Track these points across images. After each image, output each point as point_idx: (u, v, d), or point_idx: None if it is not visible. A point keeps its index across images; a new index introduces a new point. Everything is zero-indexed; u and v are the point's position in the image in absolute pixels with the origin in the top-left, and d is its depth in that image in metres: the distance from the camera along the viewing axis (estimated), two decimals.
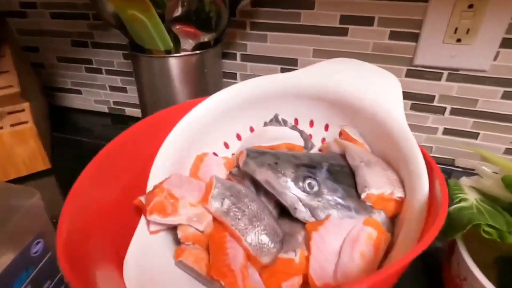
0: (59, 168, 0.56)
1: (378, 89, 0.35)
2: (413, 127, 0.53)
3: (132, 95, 0.70)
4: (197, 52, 0.47)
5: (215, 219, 0.31)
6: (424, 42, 0.47)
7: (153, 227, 0.31)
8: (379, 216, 0.30)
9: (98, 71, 0.70)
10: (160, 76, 0.48)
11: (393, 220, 0.31)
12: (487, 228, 0.29)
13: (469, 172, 0.54)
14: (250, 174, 0.32)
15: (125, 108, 0.73)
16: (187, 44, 0.45)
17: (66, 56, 0.70)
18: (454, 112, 0.52)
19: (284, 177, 0.31)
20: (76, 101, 0.76)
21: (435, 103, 0.52)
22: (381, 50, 0.50)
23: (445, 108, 0.52)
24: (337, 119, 0.39)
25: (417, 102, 0.53)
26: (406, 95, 0.53)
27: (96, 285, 0.24)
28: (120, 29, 0.47)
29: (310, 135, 0.42)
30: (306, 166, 0.32)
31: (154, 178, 0.35)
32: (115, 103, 0.73)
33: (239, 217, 0.30)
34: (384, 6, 0.47)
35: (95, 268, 0.26)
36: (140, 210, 0.32)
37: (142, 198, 0.32)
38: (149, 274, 0.28)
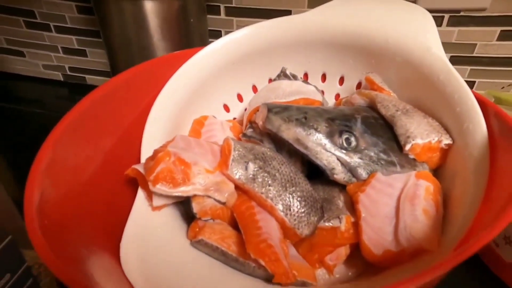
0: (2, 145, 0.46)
1: (410, 27, 0.30)
2: None
3: (94, 59, 0.59)
4: None
5: (238, 187, 0.25)
6: None
7: (158, 201, 0.25)
8: (424, 169, 0.27)
9: (45, 27, 0.57)
10: (134, 26, 0.39)
11: (437, 172, 0.28)
12: None
13: None
14: (274, 132, 0.27)
15: (86, 76, 0.62)
16: None
17: None
18: (453, 61, 0.48)
19: (317, 133, 0.26)
20: (18, 65, 0.63)
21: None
22: None
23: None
24: (356, 68, 0.34)
25: None
26: None
27: (85, 275, 0.18)
28: None
29: (322, 91, 0.37)
30: (339, 119, 0.27)
31: (148, 144, 0.28)
32: (71, 69, 0.62)
33: (269, 182, 0.24)
34: None
35: (82, 255, 0.20)
36: (132, 182, 0.26)
37: (139, 167, 0.25)
38: (153, 259, 0.23)
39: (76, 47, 0.58)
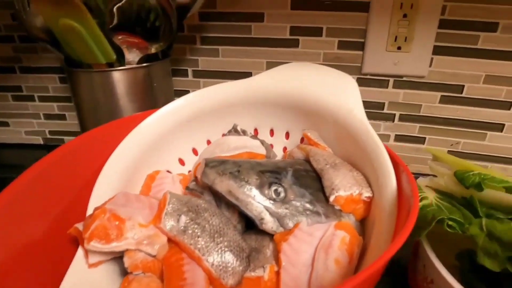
0: None
1: (336, 91, 0.34)
2: None
3: (73, 122, 0.64)
4: (144, 65, 0.43)
5: (170, 240, 0.26)
6: (369, 51, 0.49)
7: (93, 258, 0.26)
8: (349, 220, 0.28)
9: (30, 98, 0.62)
10: (102, 93, 0.44)
11: (363, 224, 0.29)
12: (450, 222, 0.29)
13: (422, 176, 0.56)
14: (209, 185, 0.29)
15: (65, 138, 0.66)
16: (132, 56, 0.42)
17: None
18: (402, 118, 0.54)
19: (248, 185, 0.28)
20: (3, 135, 0.67)
21: (385, 110, 0.54)
22: (331, 60, 0.51)
23: (394, 114, 0.54)
24: (298, 125, 0.37)
25: (369, 110, 0.54)
26: None
27: None
28: (53, 45, 0.42)
29: (271, 145, 0.40)
30: (270, 172, 0.30)
31: (95, 200, 0.30)
32: (51, 132, 0.66)
33: (198, 234, 0.26)
34: (329, 16, 0.49)
35: None
36: (77, 241, 0.27)
37: (79, 225, 0.27)
38: None
39: (57, 112, 0.63)
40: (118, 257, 0.27)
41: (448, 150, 0.54)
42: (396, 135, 0.55)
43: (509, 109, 0.50)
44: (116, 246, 0.25)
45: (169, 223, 0.26)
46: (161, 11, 0.39)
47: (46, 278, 0.25)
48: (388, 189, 0.26)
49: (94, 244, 0.24)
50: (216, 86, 0.38)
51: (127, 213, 0.26)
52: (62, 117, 0.63)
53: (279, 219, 0.27)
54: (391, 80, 0.51)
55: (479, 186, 0.31)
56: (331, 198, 0.28)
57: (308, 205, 0.28)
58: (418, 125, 0.54)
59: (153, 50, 0.42)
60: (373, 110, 0.54)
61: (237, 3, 0.50)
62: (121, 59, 0.42)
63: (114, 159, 0.33)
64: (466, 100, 0.51)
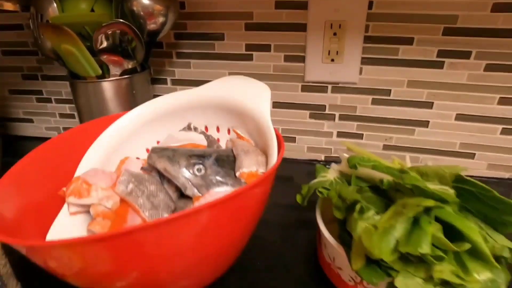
0: None
1: (255, 97, 0.45)
2: (314, 133, 0.65)
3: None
4: (125, 76, 0.56)
5: (121, 199, 0.39)
6: (309, 63, 0.60)
7: (71, 209, 0.38)
8: None
9: (48, 100, 0.78)
10: (94, 98, 0.57)
11: None
12: (320, 189, 0.40)
13: None
14: (153, 165, 0.41)
15: None
16: (115, 70, 0.55)
17: (18, 89, 0.78)
18: (342, 118, 0.64)
19: (178, 165, 0.40)
20: (29, 130, 0.83)
21: (327, 111, 0.64)
22: (280, 70, 0.63)
23: (334, 115, 0.64)
24: (234, 123, 0.49)
25: (314, 111, 0.65)
26: (305, 107, 0.64)
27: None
28: (59, 61, 0.56)
29: (218, 139, 0.52)
30: (197, 156, 0.42)
31: (78, 173, 0.43)
32: (64, 129, 0.81)
33: (139, 195, 0.38)
34: (276, 35, 0.60)
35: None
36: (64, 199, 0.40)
37: (65, 188, 0.40)
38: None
39: (68, 112, 0.78)
40: (88, 211, 0.40)
41: (384, 145, 0.64)
42: (338, 132, 0.65)
43: (431, 108, 0.59)
44: (85, 201, 0.38)
45: (120, 188, 0.38)
46: (135, 37, 0.52)
47: (47, 226, 0.38)
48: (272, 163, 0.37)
49: (71, 199, 0.37)
50: (174, 93, 0.50)
51: (94, 181, 0.39)
52: (72, 116, 0.78)
53: (198, 188, 0.39)
54: (329, 86, 0.62)
55: (354, 166, 0.41)
56: (237, 173, 0.40)
57: (220, 179, 0.40)
58: (355, 123, 0.64)
59: (130, 66, 0.55)
60: (317, 111, 0.64)
61: (203, 26, 0.62)
62: (107, 72, 0.55)
63: (95, 147, 0.46)
64: (394, 101, 0.60)
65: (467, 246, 0.29)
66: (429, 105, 0.59)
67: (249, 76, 0.63)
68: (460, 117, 0.59)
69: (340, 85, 0.61)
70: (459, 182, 0.34)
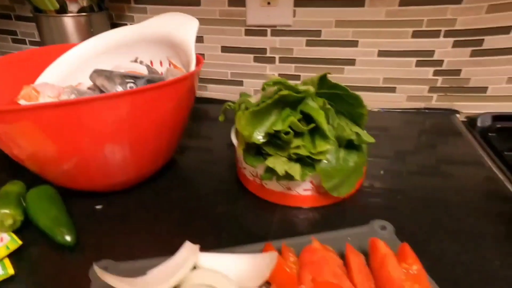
0: None
1: (184, 29, 0.53)
2: (259, 76, 0.73)
3: None
4: (82, 14, 0.64)
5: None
6: (249, 7, 0.66)
7: None
8: None
9: (23, 42, 0.85)
10: (56, 33, 0.65)
11: None
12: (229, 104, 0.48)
13: None
14: (93, 82, 0.50)
15: None
16: (72, 7, 0.63)
17: None
18: (281, 60, 0.71)
19: (113, 82, 0.49)
20: None
21: (268, 55, 0.71)
22: (225, 15, 0.69)
23: (275, 58, 0.71)
24: (171, 54, 0.57)
25: (257, 55, 0.72)
26: (249, 50, 0.72)
27: None
28: None
29: (162, 73, 0.59)
30: (131, 77, 0.50)
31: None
32: None
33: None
34: None
35: None
36: None
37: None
38: None
39: None
40: None
41: None
42: (279, 74, 0.73)
43: (356, 46, 0.66)
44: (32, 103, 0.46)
45: (64, 97, 0.47)
46: None
47: None
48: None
49: (22, 102, 0.46)
50: (118, 28, 0.58)
51: (43, 90, 0.48)
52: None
53: None
54: (269, 30, 0.68)
55: (263, 89, 0.49)
56: None
57: None
58: (293, 65, 0.71)
59: (84, 3, 0.63)
60: (259, 54, 0.71)
61: None
62: (66, 9, 0.63)
63: (51, 69, 0.55)
64: (324, 42, 0.67)
65: (312, 125, 0.37)
66: (355, 43, 0.66)
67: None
68: (381, 53, 0.66)
69: (277, 28, 0.68)
70: (332, 88, 0.42)
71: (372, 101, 0.71)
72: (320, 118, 0.37)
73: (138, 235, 0.41)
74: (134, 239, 0.40)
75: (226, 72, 0.75)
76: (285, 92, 0.36)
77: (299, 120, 0.38)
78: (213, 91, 0.78)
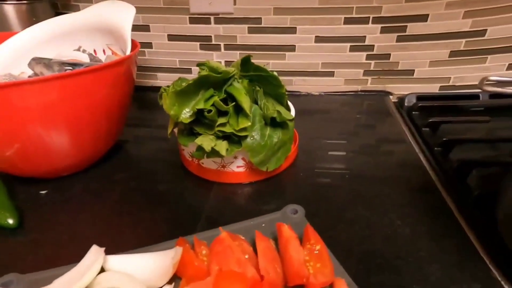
0: None
1: (123, 16, 0.54)
2: None
3: None
4: (24, 2, 0.64)
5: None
6: None
7: None
8: None
9: None
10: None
11: None
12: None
13: None
14: (32, 70, 0.51)
15: None
16: None
17: None
18: (226, 48, 0.74)
19: (52, 70, 0.50)
20: None
21: (213, 42, 0.74)
22: (169, 3, 0.71)
23: (220, 45, 0.74)
24: (111, 42, 0.58)
25: (202, 42, 0.74)
26: (194, 38, 0.74)
27: None
28: None
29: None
30: (70, 64, 0.52)
31: None
32: None
33: None
34: None
35: None
36: None
37: None
38: None
39: None
40: None
41: None
42: (225, 61, 0.76)
43: (295, 33, 0.70)
44: None
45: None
46: None
47: None
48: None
49: None
50: (60, 16, 0.59)
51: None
52: None
53: None
54: (212, 17, 0.71)
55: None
56: None
57: None
58: (238, 52, 0.74)
59: None
60: (205, 42, 0.74)
61: None
62: None
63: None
64: (265, 29, 0.71)
65: (232, 104, 0.41)
66: (293, 30, 0.70)
67: (142, 9, 0.72)
68: (318, 39, 0.70)
69: (220, 15, 0.71)
70: (257, 70, 0.46)
71: (313, 85, 0.76)
72: (241, 97, 0.41)
73: (80, 215, 0.44)
74: (76, 221, 0.43)
75: (174, 60, 0.78)
76: (205, 72, 0.40)
77: (224, 100, 0.42)
78: (163, 80, 0.80)
